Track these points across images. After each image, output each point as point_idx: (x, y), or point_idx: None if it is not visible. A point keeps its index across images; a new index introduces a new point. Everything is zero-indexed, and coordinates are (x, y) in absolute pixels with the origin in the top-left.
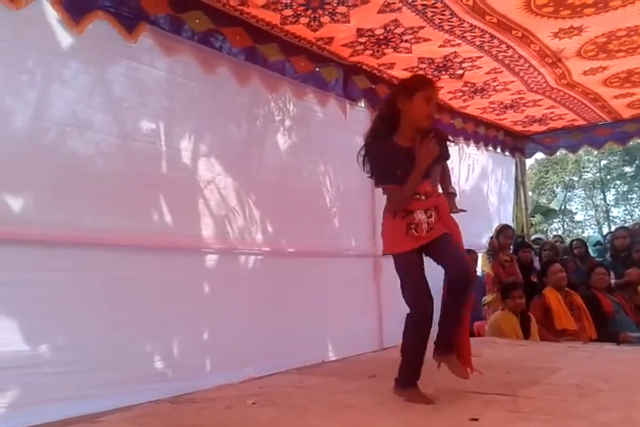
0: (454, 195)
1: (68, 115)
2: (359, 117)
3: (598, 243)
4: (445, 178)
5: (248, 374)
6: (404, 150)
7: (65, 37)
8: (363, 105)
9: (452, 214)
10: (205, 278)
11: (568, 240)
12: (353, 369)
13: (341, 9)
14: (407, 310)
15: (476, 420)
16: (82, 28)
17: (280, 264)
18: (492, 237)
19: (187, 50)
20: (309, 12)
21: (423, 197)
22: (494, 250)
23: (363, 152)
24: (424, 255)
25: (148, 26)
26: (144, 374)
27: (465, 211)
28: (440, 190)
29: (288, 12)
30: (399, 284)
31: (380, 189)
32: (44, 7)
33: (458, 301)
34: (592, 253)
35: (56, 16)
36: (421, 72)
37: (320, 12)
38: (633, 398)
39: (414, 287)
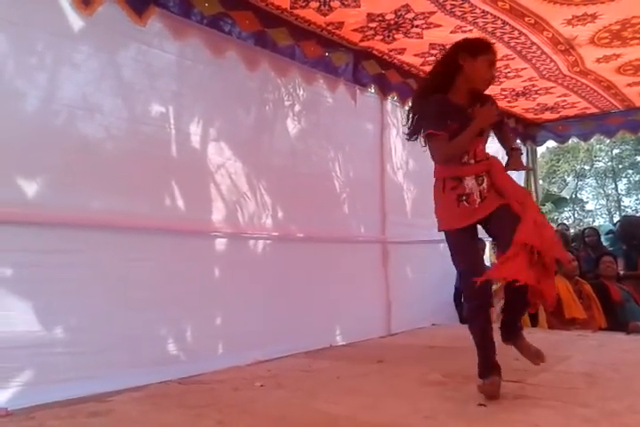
0: (519, 150)
1: (78, 98)
2: (369, 103)
3: (611, 231)
4: (506, 137)
5: (255, 357)
6: (456, 106)
7: (75, 20)
8: (372, 90)
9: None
10: (216, 262)
11: (572, 228)
12: (360, 354)
13: None
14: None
15: (484, 406)
16: (92, 11)
17: (289, 249)
18: None
19: (196, 33)
20: None
21: (472, 161)
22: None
23: (411, 105)
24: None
25: (158, 9)
26: (154, 356)
27: (531, 169)
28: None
29: None
30: (451, 260)
31: (426, 138)
32: None
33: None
34: (604, 242)
35: None
36: (432, 58)
37: None
38: (639, 388)
39: (463, 263)
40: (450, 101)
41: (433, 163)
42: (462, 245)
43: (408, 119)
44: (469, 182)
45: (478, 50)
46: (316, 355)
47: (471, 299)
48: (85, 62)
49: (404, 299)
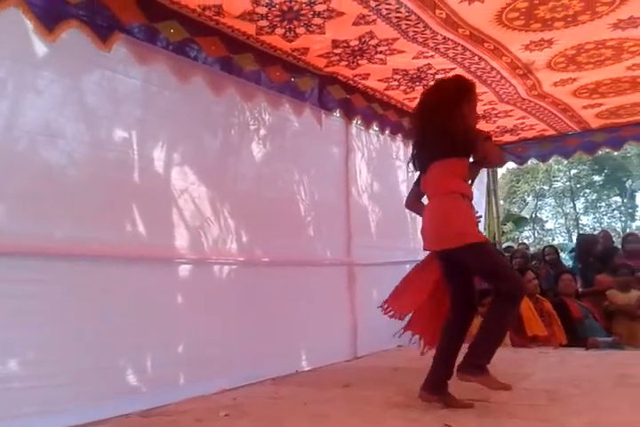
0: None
1: (40, 124)
2: (334, 127)
3: (574, 250)
4: None
5: (221, 385)
6: None
7: (38, 46)
8: (338, 115)
9: None
10: (179, 289)
11: (533, 247)
12: (327, 379)
13: (317, 20)
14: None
15: (449, 426)
16: (55, 37)
17: (254, 274)
18: None
19: (162, 59)
20: (285, 23)
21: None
22: None
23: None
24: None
25: (123, 35)
26: (115, 388)
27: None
28: None
29: (264, 22)
30: (489, 272)
31: (485, 140)
32: (16, 15)
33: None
34: (569, 260)
35: (29, 24)
36: (395, 83)
37: (295, 23)
38: (600, 403)
39: (511, 270)
40: None
41: (443, 175)
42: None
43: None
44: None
45: (472, 90)
46: (283, 381)
47: (522, 298)
48: (48, 88)
49: (370, 321)
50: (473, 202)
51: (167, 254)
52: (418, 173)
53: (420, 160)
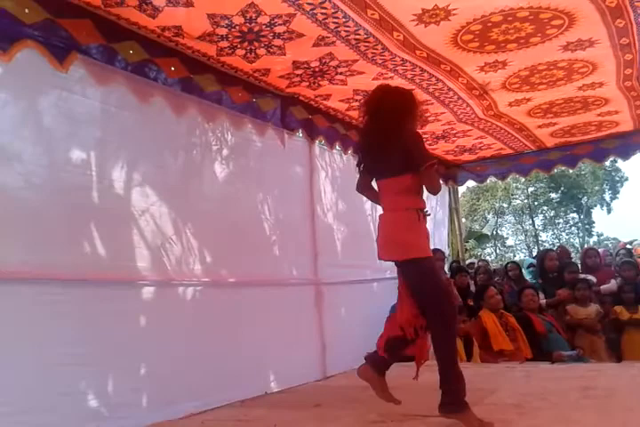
0: None
1: None
2: (297, 147)
3: (532, 265)
4: None
5: (188, 409)
6: None
7: None
8: (300, 135)
9: None
10: (142, 311)
11: (495, 263)
12: (297, 399)
13: (277, 42)
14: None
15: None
16: (10, 57)
17: (220, 294)
18: None
19: (120, 80)
20: (245, 44)
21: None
22: None
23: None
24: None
25: (80, 55)
26: (77, 415)
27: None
28: None
29: (224, 43)
30: (423, 290)
31: (428, 167)
32: None
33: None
34: (527, 275)
35: None
36: (356, 104)
37: (256, 44)
38: (567, 415)
39: (444, 291)
40: None
41: (399, 192)
42: (440, 273)
43: (376, 142)
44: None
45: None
46: (252, 403)
47: (455, 320)
48: (3, 110)
49: (339, 340)
50: (435, 219)
51: (129, 276)
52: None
53: (372, 170)
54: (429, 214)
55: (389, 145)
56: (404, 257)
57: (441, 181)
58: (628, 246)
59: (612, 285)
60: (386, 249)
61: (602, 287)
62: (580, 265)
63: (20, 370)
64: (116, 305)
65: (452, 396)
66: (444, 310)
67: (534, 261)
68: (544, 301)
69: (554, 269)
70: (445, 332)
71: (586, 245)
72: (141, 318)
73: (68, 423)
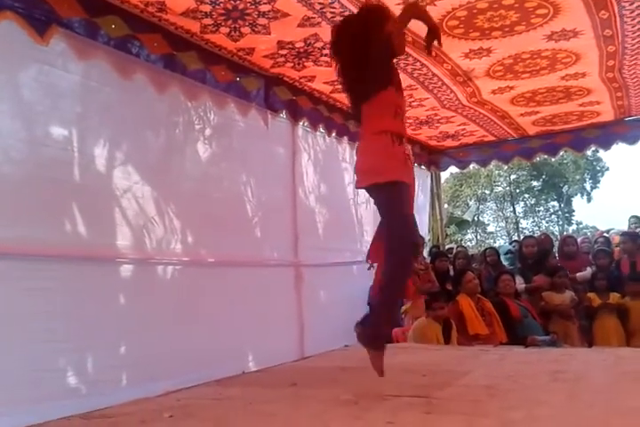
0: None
1: None
2: (281, 128)
3: (509, 251)
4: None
5: (165, 387)
6: None
7: None
8: (284, 116)
9: None
10: (122, 289)
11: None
12: (273, 379)
13: (262, 21)
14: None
15: (392, 423)
16: None
17: (200, 274)
18: None
19: (102, 55)
20: (230, 22)
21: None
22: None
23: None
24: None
25: (61, 29)
26: (55, 391)
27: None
28: None
29: (208, 20)
30: (383, 216)
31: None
32: None
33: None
34: (504, 262)
35: None
36: (341, 86)
37: (240, 22)
38: (537, 397)
39: (407, 220)
40: None
41: (371, 114)
42: (407, 199)
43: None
44: (407, 145)
45: (385, 15)
46: (228, 382)
47: (406, 250)
48: None
49: (318, 322)
50: (417, 203)
51: (109, 254)
52: None
53: (354, 98)
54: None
55: (358, 66)
56: (369, 182)
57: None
58: (605, 235)
59: (588, 273)
60: (358, 177)
61: (577, 275)
62: (558, 253)
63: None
64: (96, 282)
65: (377, 330)
66: (401, 239)
67: (512, 247)
68: (522, 286)
69: (532, 256)
70: (396, 264)
71: (565, 233)
72: (121, 296)
73: (44, 399)
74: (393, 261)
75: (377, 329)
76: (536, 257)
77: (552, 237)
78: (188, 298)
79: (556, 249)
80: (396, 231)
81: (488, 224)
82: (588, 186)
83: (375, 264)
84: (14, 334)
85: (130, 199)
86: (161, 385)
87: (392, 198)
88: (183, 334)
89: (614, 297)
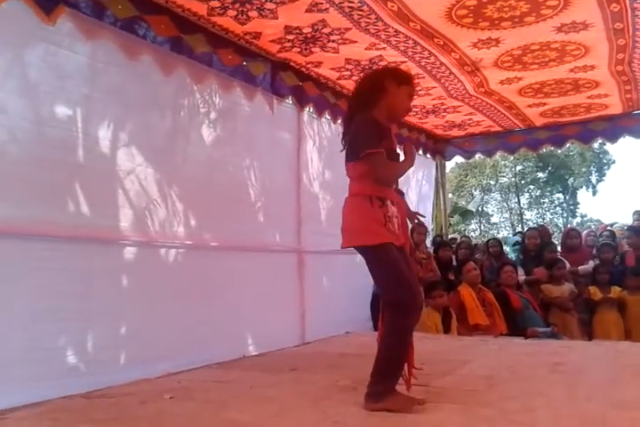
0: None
1: None
2: (286, 114)
3: (517, 243)
4: None
5: (166, 369)
6: (384, 127)
7: None
8: (290, 101)
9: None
10: (124, 271)
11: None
12: (274, 363)
13: (269, 5)
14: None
15: (390, 410)
16: None
17: (202, 258)
18: None
19: (109, 36)
20: (237, 5)
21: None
22: (410, 248)
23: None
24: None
25: (68, 9)
26: (57, 370)
27: (424, 217)
28: None
29: (215, 3)
30: (378, 280)
31: (366, 156)
32: None
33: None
34: (512, 253)
35: None
36: (347, 73)
37: (248, 6)
38: (535, 388)
39: (403, 278)
40: (378, 121)
41: (353, 177)
42: (396, 258)
43: (343, 135)
44: (391, 207)
45: (403, 80)
46: (229, 366)
47: (413, 318)
48: None
49: (319, 308)
50: (420, 192)
51: (112, 235)
52: None
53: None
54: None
55: (346, 130)
56: (351, 243)
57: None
58: (610, 228)
59: (590, 266)
60: (342, 237)
61: (580, 268)
62: (560, 245)
63: (1, 324)
64: (98, 263)
65: (375, 387)
66: (398, 299)
67: (519, 239)
68: (522, 278)
69: (534, 248)
70: (404, 320)
71: (568, 226)
72: (123, 278)
73: (46, 378)
74: (395, 312)
75: (374, 387)
76: (538, 249)
77: (556, 229)
78: (190, 281)
79: (557, 241)
80: (396, 287)
81: (492, 215)
82: (593, 179)
83: None
84: (17, 313)
85: (133, 181)
86: (162, 367)
87: (382, 260)
88: (185, 316)
89: (615, 291)
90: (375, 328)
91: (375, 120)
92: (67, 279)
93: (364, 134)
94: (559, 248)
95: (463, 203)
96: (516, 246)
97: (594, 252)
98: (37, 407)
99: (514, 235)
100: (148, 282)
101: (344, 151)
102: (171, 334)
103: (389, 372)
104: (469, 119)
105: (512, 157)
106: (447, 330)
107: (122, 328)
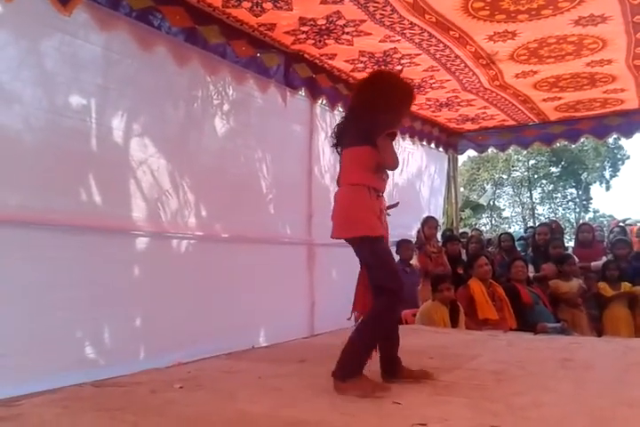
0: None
1: None
2: (299, 106)
3: (522, 238)
4: None
5: (176, 359)
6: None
7: None
8: (303, 94)
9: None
10: (136, 261)
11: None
12: (283, 354)
13: None
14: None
15: (399, 403)
16: None
17: (213, 249)
18: (418, 231)
19: (124, 26)
20: None
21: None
22: (421, 242)
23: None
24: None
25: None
26: (68, 359)
27: (396, 205)
28: None
29: None
30: (371, 271)
31: (385, 136)
32: None
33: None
34: (519, 247)
35: None
36: (361, 65)
37: None
38: (543, 383)
39: (394, 271)
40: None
41: (353, 164)
42: (389, 251)
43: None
44: (383, 200)
45: (408, 98)
46: (239, 356)
47: (398, 308)
48: (4, 49)
49: (328, 300)
50: (432, 186)
51: (124, 226)
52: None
53: (339, 141)
54: (396, 205)
55: (355, 115)
56: (345, 235)
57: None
58: (621, 224)
59: (602, 262)
60: (334, 226)
61: (592, 264)
62: (573, 240)
63: (12, 313)
64: (110, 254)
65: (343, 367)
66: (392, 289)
67: (524, 234)
68: (530, 274)
69: (543, 244)
70: (384, 311)
71: (581, 221)
72: (135, 268)
73: (58, 367)
74: (384, 303)
75: (343, 368)
76: (547, 245)
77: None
78: (201, 272)
79: (569, 237)
80: (389, 280)
81: (504, 209)
82: (607, 174)
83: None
84: (32, 302)
85: (146, 172)
86: (172, 357)
87: (379, 252)
88: (195, 307)
89: (626, 287)
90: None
91: (390, 118)
92: (79, 269)
93: (383, 120)
94: (572, 243)
95: (475, 197)
96: (521, 241)
97: (604, 246)
98: (49, 395)
99: (525, 230)
100: (159, 272)
101: (345, 135)
102: (181, 325)
103: (359, 356)
104: (483, 113)
105: (525, 152)
106: (455, 324)
107: (133, 318)
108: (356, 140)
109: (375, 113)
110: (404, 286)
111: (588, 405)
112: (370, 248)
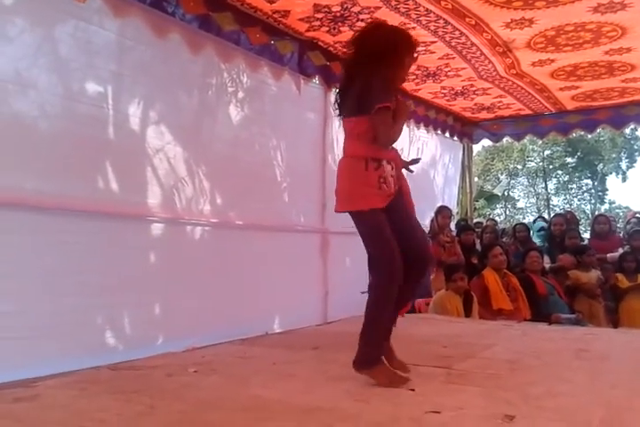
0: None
1: (10, 72)
2: (313, 94)
3: (542, 228)
4: None
5: (191, 343)
6: (394, 88)
7: None
8: (317, 81)
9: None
10: (151, 247)
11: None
12: (296, 341)
13: None
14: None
15: (413, 390)
16: None
17: (228, 236)
18: (432, 220)
19: (138, 13)
20: None
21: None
22: (434, 231)
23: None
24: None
25: None
26: (85, 342)
27: (417, 161)
28: None
29: None
30: (366, 243)
31: (377, 111)
32: None
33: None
34: (536, 239)
35: None
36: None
37: None
38: (557, 373)
39: (388, 245)
40: (392, 81)
41: (351, 135)
42: (385, 225)
43: (349, 78)
44: (387, 166)
45: (412, 49)
46: (252, 342)
47: (394, 280)
48: (20, 36)
49: (342, 288)
50: (446, 175)
51: (140, 212)
52: None
53: (340, 107)
54: (417, 160)
55: (354, 82)
56: (344, 208)
57: (407, 129)
58: (638, 216)
59: (618, 253)
60: (336, 200)
61: (608, 255)
62: (589, 231)
63: (31, 297)
64: (125, 239)
65: (363, 353)
66: (381, 256)
67: (545, 224)
68: (547, 265)
69: (559, 234)
70: (381, 287)
71: (597, 212)
72: (150, 254)
73: (74, 349)
74: (380, 279)
75: (364, 354)
76: (564, 236)
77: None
78: (216, 259)
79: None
80: (383, 255)
81: (518, 200)
82: (623, 165)
83: None
84: (46, 287)
85: (161, 159)
86: (187, 341)
87: (370, 223)
88: (210, 293)
89: None
90: None
91: (389, 78)
92: (94, 254)
93: (379, 88)
94: (587, 235)
95: (489, 187)
96: (541, 232)
97: (620, 238)
98: (66, 377)
99: (534, 220)
100: (174, 258)
101: (344, 102)
102: (195, 310)
103: (370, 337)
104: (499, 102)
105: (540, 142)
106: (468, 314)
107: (148, 304)
108: (353, 109)
109: (376, 69)
110: (395, 257)
111: (604, 395)
112: (362, 221)
